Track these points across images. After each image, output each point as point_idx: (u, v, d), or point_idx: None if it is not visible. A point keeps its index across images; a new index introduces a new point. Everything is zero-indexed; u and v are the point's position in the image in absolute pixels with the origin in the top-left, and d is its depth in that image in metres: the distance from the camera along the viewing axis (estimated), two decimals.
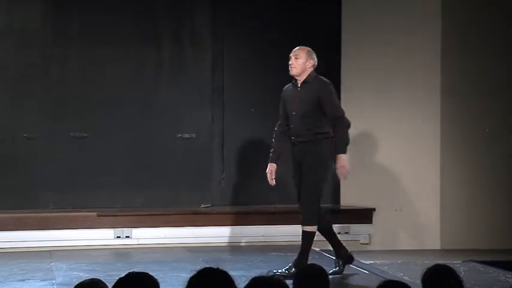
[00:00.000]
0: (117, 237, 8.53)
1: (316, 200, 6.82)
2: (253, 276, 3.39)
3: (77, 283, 3.49)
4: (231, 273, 3.32)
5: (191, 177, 9.13)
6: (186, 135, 9.19)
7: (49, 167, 8.85)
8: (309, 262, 3.57)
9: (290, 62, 6.90)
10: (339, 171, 6.83)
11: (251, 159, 9.21)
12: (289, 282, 3.50)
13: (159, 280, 3.53)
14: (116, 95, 9.03)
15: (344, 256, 7.05)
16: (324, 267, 3.85)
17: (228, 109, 9.36)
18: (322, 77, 6.94)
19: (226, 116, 9.36)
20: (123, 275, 3.46)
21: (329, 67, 9.19)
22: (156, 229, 8.59)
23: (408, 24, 9.00)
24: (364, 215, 8.97)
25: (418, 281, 3.79)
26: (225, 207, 9.15)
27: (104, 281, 3.65)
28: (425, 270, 3.72)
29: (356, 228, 8.91)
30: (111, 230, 8.53)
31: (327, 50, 9.18)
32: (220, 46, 9.29)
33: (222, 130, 9.34)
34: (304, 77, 6.88)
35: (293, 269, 6.58)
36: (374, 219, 8.97)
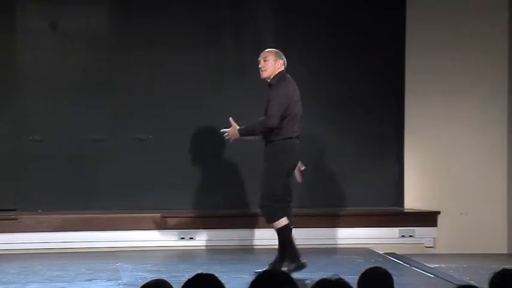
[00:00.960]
0: (181, 238, 8.60)
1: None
2: (319, 278, 3.39)
3: (143, 284, 3.52)
4: (297, 275, 3.32)
5: (256, 179, 9.12)
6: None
7: (115, 169, 8.96)
8: (373, 265, 3.53)
9: (259, 66, 7.08)
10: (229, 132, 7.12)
11: (317, 162, 9.19)
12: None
13: (223, 281, 3.54)
14: (179, 97, 9.10)
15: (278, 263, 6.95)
16: (389, 270, 3.82)
17: None
18: (282, 80, 7.03)
19: None
20: (188, 276, 3.48)
21: (393, 69, 9.17)
22: (220, 231, 8.63)
23: (474, 26, 8.89)
24: (428, 218, 8.88)
25: (486, 286, 3.74)
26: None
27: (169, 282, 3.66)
28: (492, 274, 3.66)
29: (420, 231, 8.83)
30: (176, 231, 8.60)
31: (390, 52, 9.16)
32: (282, 46, 9.26)
33: None
34: (271, 79, 7.06)
35: (291, 265, 6.75)
36: (439, 222, 8.88)
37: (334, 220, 8.80)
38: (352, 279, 3.68)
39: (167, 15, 9.05)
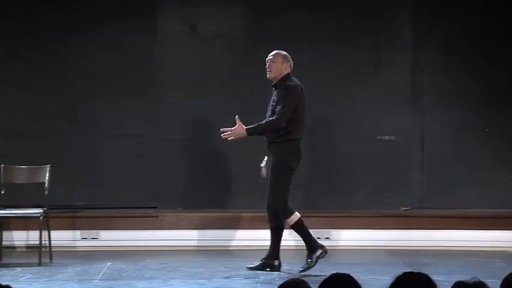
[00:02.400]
0: (318, 238, 8.60)
1: None
2: (456, 280, 3.33)
3: (281, 283, 3.56)
4: (433, 277, 3.28)
5: (390, 179, 9.07)
6: (386, 137, 9.15)
7: (248, 167, 9.04)
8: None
9: (267, 66, 7.14)
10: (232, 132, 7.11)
11: (452, 161, 9.05)
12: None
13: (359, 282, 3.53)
14: (314, 97, 9.08)
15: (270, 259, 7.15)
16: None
17: (428, 111, 9.23)
18: (290, 81, 7.08)
19: (426, 117, 9.24)
20: (323, 275, 3.49)
21: None
22: (355, 231, 8.62)
23: None
24: None
25: None
26: (425, 210, 9.02)
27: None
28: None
29: None
30: (311, 230, 8.61)
31: None
32: (420, 48, 9.18)
33: (422, 132, 9.23)
34: (277, 81, 7.13)
35: (311, 256, 7.01)
36: None
37: (470, 222, 8.63)
38: (493, 283, 3.58)
39: (302, 14, 9.09)
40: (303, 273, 6.88)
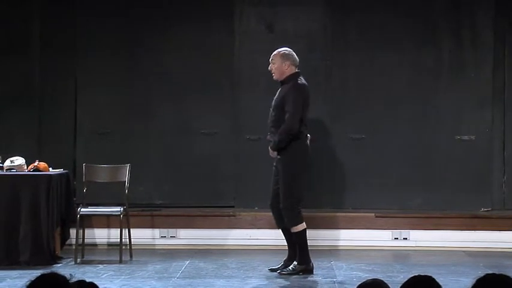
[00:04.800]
0: (395, 238, 8.56)
1: None
2: None
3: (359, 283, 3.55)
4: None
5: (470, 179, 8.95)
6: (465, 137, 9.03)
7: (329, 168, 9.06)
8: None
9: (269, 68, 7.18)
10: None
11: None
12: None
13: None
14: (393, 96, 9.07)
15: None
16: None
17: (509, 110, 9.07)
18: (295, 83, 7.05)
19: (508, 117, 9.07)
20: (403, 276, 3.47)
21: None
22: (434, 232, 8.53)
23: None
24: None
25: None
26: (506, 211, 8.87)
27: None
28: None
29: None
30: (389, 231, 8.58)
31: None
32: (502, 46, 9.03)
33: (504, 132, 9.07)
34: (283, 79, 7.12)
35: (297, 266, 7.00)
36: None
37: None
38: None
39: (381, 13, 9.04)
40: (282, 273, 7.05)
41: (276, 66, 7.20)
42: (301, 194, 7.15)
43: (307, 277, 6.98)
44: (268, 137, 7.24)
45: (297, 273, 7.04)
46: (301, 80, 7.21)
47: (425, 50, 9.06)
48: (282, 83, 7.22)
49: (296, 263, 7.11)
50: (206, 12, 9.14)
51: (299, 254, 7.09)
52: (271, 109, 7.24)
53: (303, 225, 7.10)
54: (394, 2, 9.08)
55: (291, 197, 7.06)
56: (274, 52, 7.28)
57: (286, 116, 7.04)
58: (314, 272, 7.12)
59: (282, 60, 7.20)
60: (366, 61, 9.10)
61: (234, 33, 9.20)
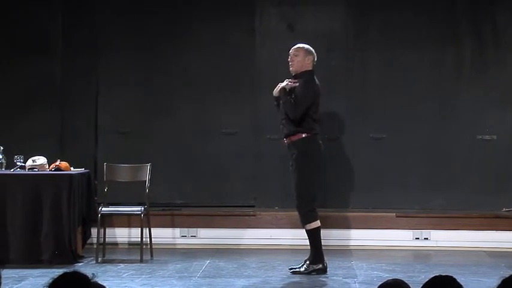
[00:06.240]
0: (416, 238, 8.54)
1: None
2: None
3: (380, 283, 3.54)
4: None
5: (492, 179, 8.90)
6: (487, 137, 8.98)
7: (349, 167, 9.05)
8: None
9: (289, 59, 7.19)
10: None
11: None
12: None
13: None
14: (414, 96, 9.04)
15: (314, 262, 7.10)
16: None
17: None
18: (310, 79, 7.11)
19: None
20: (424, 276, 3.46)
21: None
22: (455, 232, 8.49)
23: None
24: None
25: None
26: None
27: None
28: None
29: None
30: (410, 231, 8.56)
31: None
32: None
33: None
34: (298, 73, 7.16)
35: (310, 266, 7.01)
36: None
37: None
38: None
39: (401, 12, 9.01)
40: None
41: (299, 58, 7.23)
42: (315, 193, 7.16)
43: (321, 277, 6.96)
44: (283, 130, 7.25)
45: (309, 273, 7.05)
46: (315, 79, 7.24)
47: (447, 49, 9.03)
48: (296, 77, 7.24)
49: (309, 262, 7.10)
50: (227, 11, 9.16)
51: (312, 252, 7.10)
52: (281, 102, 7.25)
53: (317, 223, 7.10)
54: (415, 1, 9.05)
55: (304, 195, 7.06)
56: (299, 45, 7.32)
57: (293, 100, 7.09)
58: (335, 272, 7.11)
59: (306, 53, 7.24)
60: (386, 61, 9.08)
61: (255, 33, 9.21)
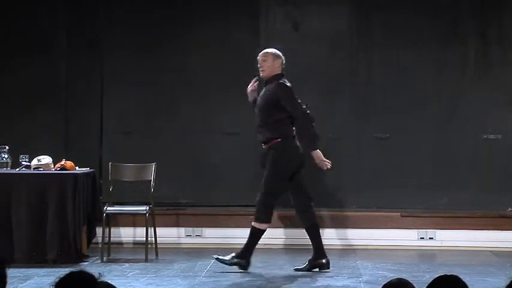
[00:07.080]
0: (421, 238, 8.54)
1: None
2: None
3: (385, 283, 3.55)
4: None
5: (497, 179, 8.89)
6: (491, 136, 8.98)
7: (353, 167, 9.04)
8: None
9: (258, 65, 7.23)
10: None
11: None
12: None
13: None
14: (418, 96, 9.03)
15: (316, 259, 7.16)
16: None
17: None
18: (285, 81, 7.16)
19: None
20: (429, 276, 3.46)
21: None
22: (460, 231, 8.50)
23: None
24: None
25: None
26: None
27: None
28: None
29: None
30: (415, 231, 8.56)
31: None
32: None
33: None
34: (269, 78, 7.20)
35: (235, 259, 7.10)
36: None
37: None
38: None
39: (406, 12, 9.01)
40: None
41: (268, 64, 7.26)
42: (280, 194, 7.19)
43: (326, 276, 6.97)
44: (259, 137, 7.27)
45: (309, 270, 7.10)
46: (286, 81, 7.27)
47: (451, 49, 9.02)
48: (267, 82, 7.28)
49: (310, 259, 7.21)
50: (232, 10, 9.16)
51: (243, 247, 7.15)
52: (256, 109, 7.27)
53: (265, 226, 7.15)
54: (419, 1, 9.04)
55: (272, 193, 7.10)
56: (266, 50, 7.37)
57: (296, 116, 7.11)
58: (340, 272, 7.13)
59: (274, 58, 7.28)
60: (390, 60, 9.07)
61: (260, 32, 9.20)
